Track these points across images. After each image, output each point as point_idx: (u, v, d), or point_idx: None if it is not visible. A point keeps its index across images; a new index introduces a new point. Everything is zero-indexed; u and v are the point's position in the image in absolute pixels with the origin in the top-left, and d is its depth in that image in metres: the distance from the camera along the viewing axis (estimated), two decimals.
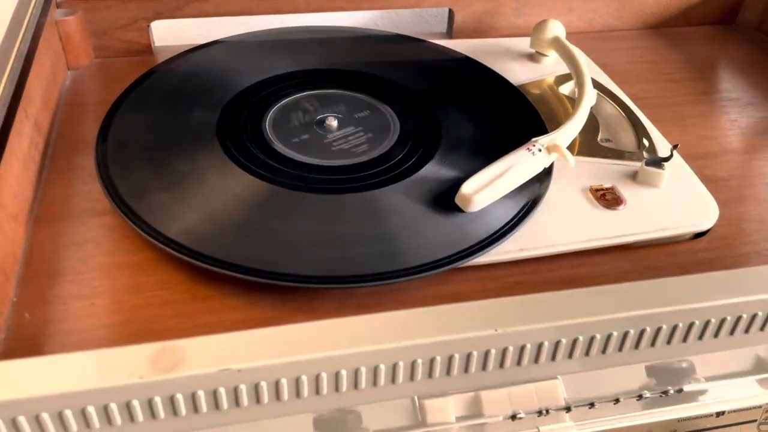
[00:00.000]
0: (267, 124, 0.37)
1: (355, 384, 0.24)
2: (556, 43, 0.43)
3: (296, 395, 0.23)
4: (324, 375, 0.23)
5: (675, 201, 0.34)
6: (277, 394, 0.23)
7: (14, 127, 0.31)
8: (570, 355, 0.25)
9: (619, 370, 0.30)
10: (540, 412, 0.30)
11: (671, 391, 0.31)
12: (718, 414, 0.35)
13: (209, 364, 0.22)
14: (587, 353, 0.25)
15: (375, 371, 0.23)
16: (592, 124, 0.39)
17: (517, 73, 0.44)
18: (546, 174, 0.34)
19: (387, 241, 0.30)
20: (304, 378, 0.23)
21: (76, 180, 0.35)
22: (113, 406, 0.22)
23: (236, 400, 0.23)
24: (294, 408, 0.24)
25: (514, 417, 0.30)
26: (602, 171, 0.36)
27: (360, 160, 0.35)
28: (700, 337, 0.26)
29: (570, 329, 0.24)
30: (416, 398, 0.28)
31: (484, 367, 0.24)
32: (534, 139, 0.34)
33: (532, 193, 0.33)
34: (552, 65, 0.45)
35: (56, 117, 0.39)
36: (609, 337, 0.25)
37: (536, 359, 0.25)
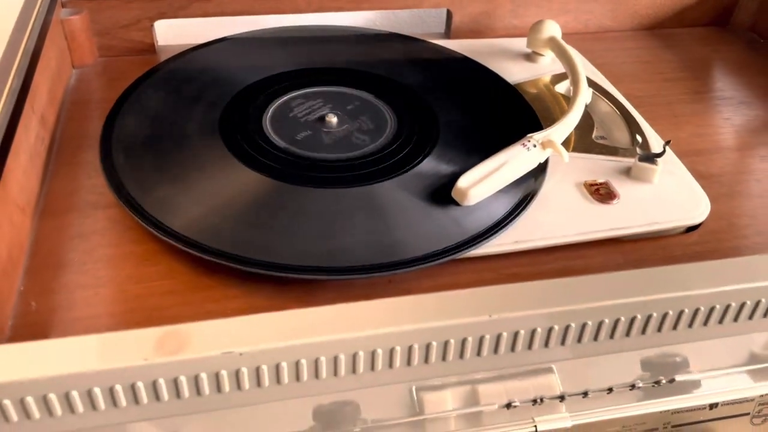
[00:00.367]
0: (268, 120, 0.38)
1: (353, 368, 0.24)
2: (552, 42, 0.44)
3: (296, 379, 0.24)
4: (323, 359, 0.24)
5: (667, 196, 0.35)
6: (277, 377, 0.24)
7: (21, 122, 0.32)
8: (562, 342, 0.26)
9: (613, 363, 0.31)
10: (534, 401, 0.31)
11: (663, 381, 0.32)
12: (711, 406, 0.35)
13: (212, 347, 0.22)
14: (579, 340, 0.26)
15: (372, 356, 0.24)
16: (587, 122, 0.40)
17: (514, 73, 0.45)
18: (541, 169, 0.35)
19: (385, 234, 0.31)
20: (303, 362, 0.23)
21: (81, 174, 0.35)
22: (118, 388, 0.22)
23: (238, 384, 0.23)
24: (294, 392, 0.24)
25: (509, 405, 0.30)
26: (596, 167, 0.37)
27: (359, 155, 0.36)
28: (690, 325, 0.27)
29: (562, 316, 0.25)
30: (414, 390, 0.29)
31: (478, 352, 0.25)
32: (529, 135, 0.34)
33: (528, 187, 0.34)
34: (548, 65, 0.46)
35: (61, 113, 0.40)
36: (600, 324, 0.26)
37: (529, 345, 0.26)
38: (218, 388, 0.23)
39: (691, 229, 0.34)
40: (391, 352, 0.24)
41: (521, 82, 0.44)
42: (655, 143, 0.38)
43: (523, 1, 0.50)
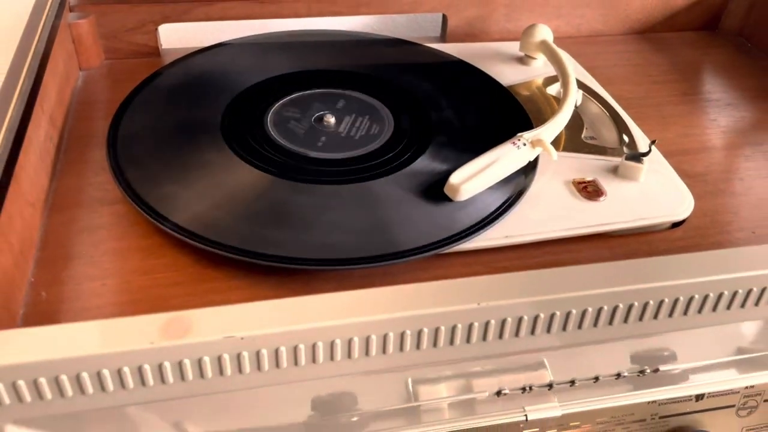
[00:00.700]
0: (268, 120, 0.39)
1: (349, 353, 0.25)
2: (543, 46, 0.46)
3: (294, 363, 0.25)
4: (320, 344, 0.25)
5: (653, 193, 0.36)
6: (276, 361, 0.25)
7: (32, 121, 0.33)
8: (548, 330, 0.27)
9: (599, 354, 0.32)
10: (524, 389, 0.32)
11: (648, 371, 0.33)
12: (698, 398, 0.37)
13: (214, 332, 0.24)
14: (564, 328, 0.27)
15: (367, 342, 0.25)
16: (577, 123, 0.41)
17: (508, 75, 0.46)
18: (531, 167, 0.36)
19: (381, 228, 0.32)
20: (301, 347, 0.25)
21: (88, 172, 0.37)
22: (126, 370, 0.23)
23: (239, 367, 0.25)
24: (292, 376, 0.25)
25: (499, 393, 0.32)
26: (585, 165, 0.38)
27: (356, 154, 0.37)
28: (670, 315, 0.28)
29: (547, 304, 0.26)
30: (410, 382, 0.30)
31: (468, 339, 0.26)
32: (519, 134, 0.36)
33: (518, 185, 0.35)
34: (540, 67, 0.47)
35: (69, 114, 0.41)
36: (584, 313, 0.27)
37: (516, 333, 0.27)
38: (221, 371, 0.25)
39: (676, 225, 0.36)
40: (385, 338, 0.25)
41: (514, 84, 0.45)
42: (642, 143, 0.40)
43: (517, 6, 0.51)
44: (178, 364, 0.24)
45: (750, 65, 0.51)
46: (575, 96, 0.40)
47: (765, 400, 0.38)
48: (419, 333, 0.26)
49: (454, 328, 0.26)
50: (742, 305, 0.29)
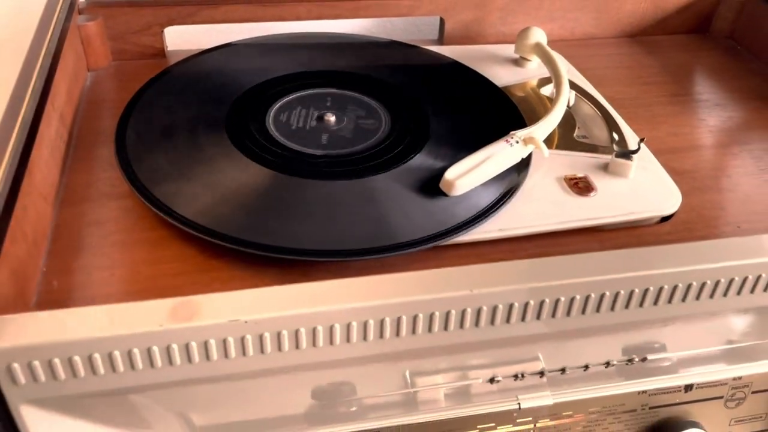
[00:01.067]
0: (270, 118, 0.40)
1: (348, 338, 0.27)
2: (537, 48, 0.47)
3: (296, 346, 0.26)
4: (320, 328, 0.26)
5: (642, 189, 0.37)
6: (279, 344, 0.26)
7: (44, 118, 0.35)
8: (538, 317, 0.28)
9: (590, 345, 0.33)
10: (516, 376, 0.33)
11: (636, 360, 0.34)
12: (687, 389, 0.38)
13: (220, 315, 0.25)
14: (553, 315, 0.28)
15: (365, 326, 0.27)
16: (569, 122, 0.43)
17: (503, 76, 0.47)
18: (525, 164, 0.38)
19: (378, 221, 0.33)
20: (302, 330, 0.26)
21: (97, 168, 0.38)
22: (136, 351, 0.25)
23: (243, 350, 0.26)
24: (293, 359, 0.27)
25: (492, 380, 0.33)
26: (576, 163, 0.39)
27: (355, 151, 0.38)
28: (655, 303, 0.29)
29: (537, 292, 0.27)
30: (407, 374, 0.32)
31: (461, 325, 0.28)
32: (512, 132, 0.37)
33: (512, 181, 0.37)
34: (535, 69, 0.49)
35: (78, 113, 0.43)
36: (572, 300, 0.28)
37: (508, 319, 0.28)
38: (225, 353, 0.26)
39: (664, 219, 0.37)
40: (382, 323, 0.27)
41: (509, 85, 0.47)
42: (632, 141, 0.41)
43: (512, 10, 0.53)
44: (185, 346, 0.25)
45: (739, 67, 0.53)
46: (567, 96, 0.42)
47: (753, 392, 0.39)
48: (414, 318, 0.27)
49: (448, 314, 0.27)
50: (725, 294, 0.30)
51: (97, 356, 0.24)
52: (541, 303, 0.28)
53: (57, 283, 0.31)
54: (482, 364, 0.32)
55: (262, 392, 0.30)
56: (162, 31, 0.49)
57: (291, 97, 0.42)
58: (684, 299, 0.30)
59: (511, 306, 0.28)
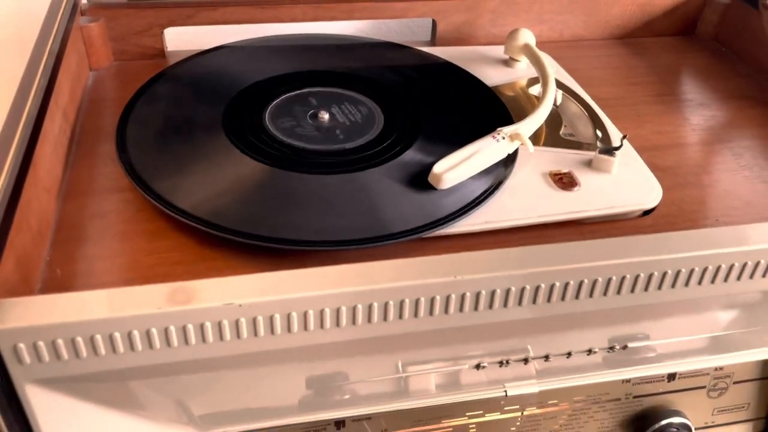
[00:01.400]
0: (266, 116, 0.42)
1: (337, 322, 0.28)
2: (526, 49, 0.49)
3: (287, 330, 0.28)
4: (311, 312, 0.27)
5: (624, 184, 0.39)
6: (271, 327, 0.27)
7: (47, 115, 0.36)
8: (519, 302, 0.30)
9: (573, 333, 0.35)
10: (501, 363, 0.34)
11: (617, 347, 0.36)
12: (670, 379, 0.39)
13: (215, 299, 0.26)
14: (534, 301, 0.30)
15: (354, 311, 0.28)
16: (556, 120, 0.44)
17: (493, 76, 0.49)
18: (511, 160, 0.39)
19: (370, 213, 0.35)
20: (294, 314, 0.27)
21: (98, 163, 0.39)
22: (135, 333, 0.26)
23: (237, 333, 0.27)
24: (285, 342, 0.28)
25: (478, 366, 0.34)
26: (561, 159, 0.41)
27: (348, 146, 0.40)
28: (632, 290, 0.31)
29: (519, 278, 0.29)
30: (400, 365, 0.33)
31: (446, 310, 0.29)
32: (499, 129, 0.38)
33: (498, 175, 0.38)
34: (524, 69, 0.50)
35: (80, 111, 0.44)
36: (552, 287, 0.30)
37: (490, 305, 0.29)
38: (221, 336, 0.27)
39: (646, 213, 0.38)
40: (370, 307, 0.28)
41: (499, 85, 0.48)
42: (616, 138, 0.42)
43: (503, 12, 0.54)
44: (182, 328, 0.26)
45: (723, 68, 0.54)
46: (553, 95, 0.43)
47: (734, 382, 0.41)
48: (401, 303, 0.28)
49: (433, 300, 0.28)
50: (699, 282, 0.32)
51: (98, 337, 0.26)
52: (522, 289, 0.29)
53: (60, 271, 0.32)
54: (468, 349, 0.34)
55: (258, 381, 0.31)
56: (162, 32, 0.50)
57: (287, 95, 0.44)
58: (660, 287, 0.31)
59: (493, 292, 0.29)
